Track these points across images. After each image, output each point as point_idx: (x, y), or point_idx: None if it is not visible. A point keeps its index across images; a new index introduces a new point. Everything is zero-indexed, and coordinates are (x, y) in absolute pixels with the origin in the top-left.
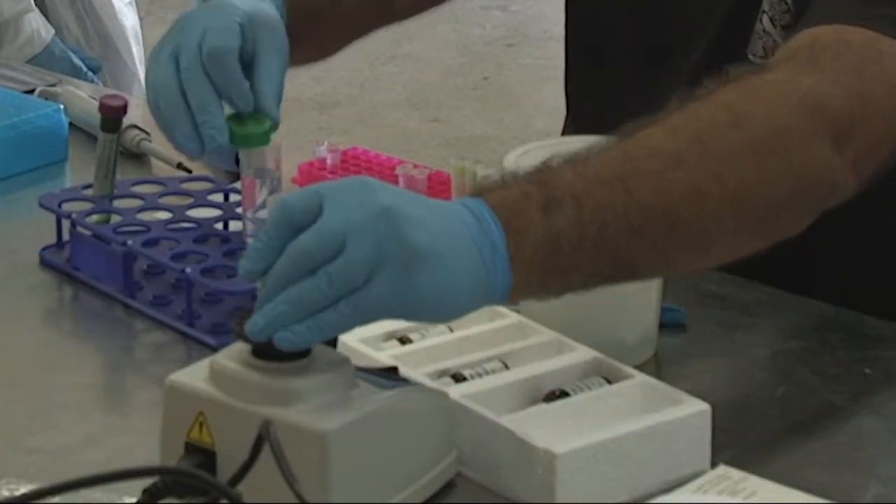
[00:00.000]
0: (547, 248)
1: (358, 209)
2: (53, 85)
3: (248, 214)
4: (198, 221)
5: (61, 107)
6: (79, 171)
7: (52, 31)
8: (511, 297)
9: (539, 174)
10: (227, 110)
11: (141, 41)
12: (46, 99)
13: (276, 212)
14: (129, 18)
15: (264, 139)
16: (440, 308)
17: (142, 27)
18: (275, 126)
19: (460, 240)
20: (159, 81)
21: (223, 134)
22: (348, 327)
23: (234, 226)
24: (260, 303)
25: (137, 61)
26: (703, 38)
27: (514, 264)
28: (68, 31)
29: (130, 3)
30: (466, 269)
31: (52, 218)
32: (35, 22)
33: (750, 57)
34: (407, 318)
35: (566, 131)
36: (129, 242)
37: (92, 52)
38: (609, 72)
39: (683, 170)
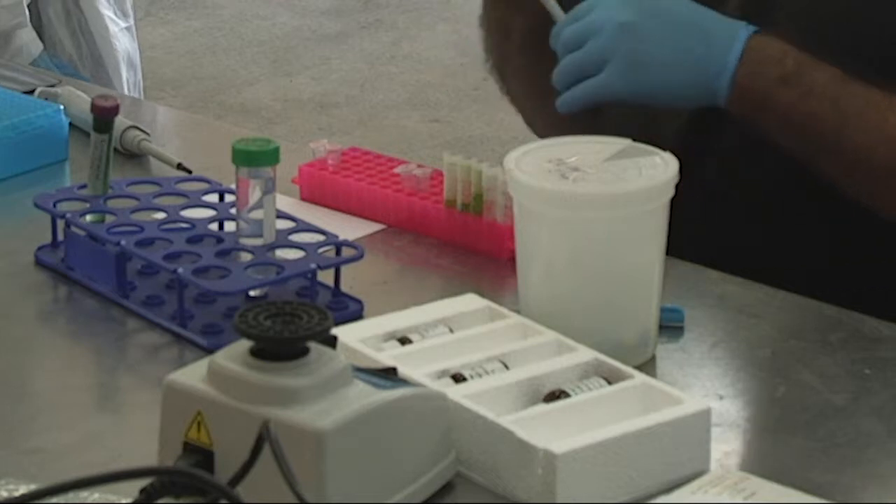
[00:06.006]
0: (761, 101)
1: (605, 19)
2: (53, 85)
3: (243, 214)
4: (192, 222)
5: (61, 107)
6: (79, 172)
7: (41, 48)
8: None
9: (805, 57)
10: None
11: (138, 68)
12: (46, 99)
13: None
14: (122, 43)
15: (273, 158)
16: (658, 99)
17: (141, 28)
18: None
19: (687, 55)
20: None
21: None
22: (593, 95)
23: (229, 226)
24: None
25: (129, 88)
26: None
27: (733, 88)
28: (62, 48)
29: (129, 27)
30: (687, 77)
31: (50, 218)
32: (26, 36)
33: None
34: (635, 98)
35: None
36: (123, 242)
37: (84, 72)
38: None
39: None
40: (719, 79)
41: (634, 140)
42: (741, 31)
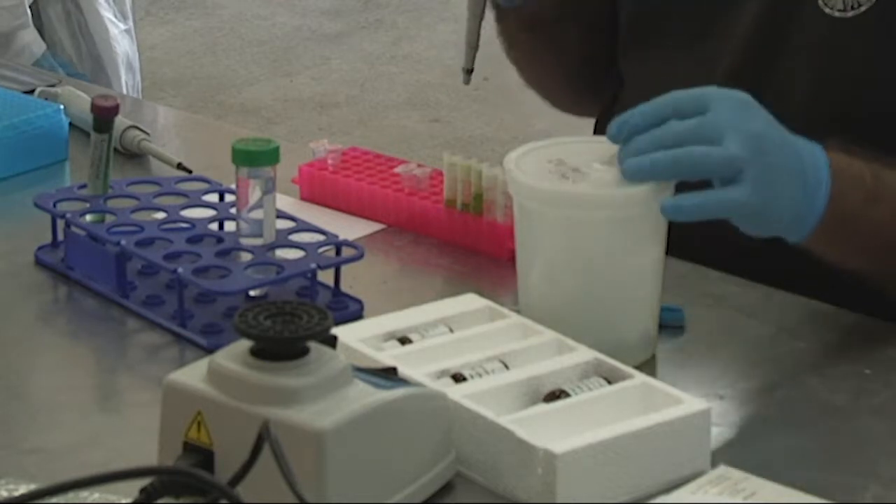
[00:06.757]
0: (852, 225)
1: (740, 121)
2: (53, 85)
3: (243, 214)
4: (192, 222)
5: (61, 107)
6: (79, 172)
7: (44, 48)
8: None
9: (876, 167)
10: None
11: (137, 70)
12: (46, 99)
13: (664, 99)
14: (122, 45)
15: (273, 158)
16: (757, 223)
17: (141, 28)
18: None
19: (797, 180)
20: None
21: None
22: (724, 210)
23: (229, 226)
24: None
25: (127, 90)
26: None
27: (824, 219)
28: (62, 48)
29: (129, 30)
30: (788, 205)
31: (50, 218)
32: (27, 37)
33: (826, 10)
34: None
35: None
36: (123, 242)
37: (84, 71)
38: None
39: None
40: (809, 213)
41: None
42: (821, 154)
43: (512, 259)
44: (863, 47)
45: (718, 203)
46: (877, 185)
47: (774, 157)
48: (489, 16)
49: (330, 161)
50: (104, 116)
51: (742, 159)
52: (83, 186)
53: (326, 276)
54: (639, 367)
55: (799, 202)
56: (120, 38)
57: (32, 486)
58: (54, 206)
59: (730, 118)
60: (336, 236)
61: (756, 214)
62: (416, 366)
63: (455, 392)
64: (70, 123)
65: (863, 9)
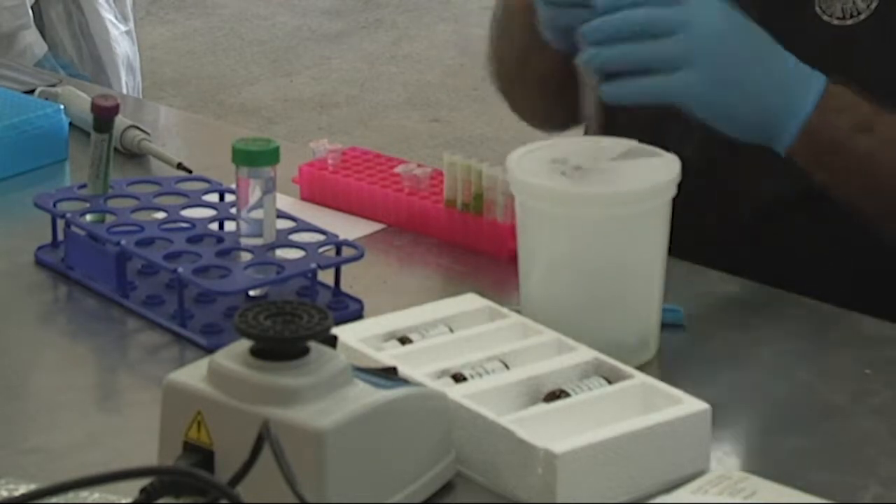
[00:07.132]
0: (840, 146)
1: (703, 20)
2: (53, 85)
3: (243, 214)
4: (192, 221)
5: (61, 107)
6: (79, 172)
7: (45, 49)
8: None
9: (876, 106)
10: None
11: (138, 72)
12: (46, 99)
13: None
14: (122, 46)
15: (273, 158)
16: (718, 121)
17: (141, 27)
18: None
19: (765, 90)
20: None
21: None
22: (659, 95)
23: (229, 226)
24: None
25: (127, 91)
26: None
27: (801, 135)
28: (63, 49)
29: (129, 31)
30: (754, 96)
31: (50, 218)
32: (29, 38)
33: (824, 18)
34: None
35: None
36: (123, 242)
37: (85, 72)
38: None
39: None
40: (788, 122)
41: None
42: (816, 78)
43: (512, 259)
44: (863, 54)
45: (663, 86)
46: (872, 116)
47: (732, 47)
48: (484, 22)
49: (330, 161)
50: (104, 116)
51: (690, 49)
52: (83, 186)
53: (326, 276)
54: (639, 368)
55: (771, 97)
56: (120, 40)
57: (32, 486)
58: (54, 205)
59: (698, 21)
60: (336, 236)
61: (711, 103)
62: (416, 366)
63: (455, 392)
64: (70, 123)
65: (862, 17)
